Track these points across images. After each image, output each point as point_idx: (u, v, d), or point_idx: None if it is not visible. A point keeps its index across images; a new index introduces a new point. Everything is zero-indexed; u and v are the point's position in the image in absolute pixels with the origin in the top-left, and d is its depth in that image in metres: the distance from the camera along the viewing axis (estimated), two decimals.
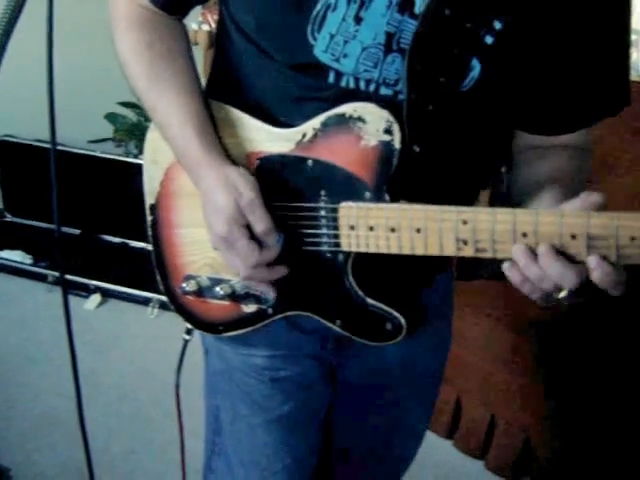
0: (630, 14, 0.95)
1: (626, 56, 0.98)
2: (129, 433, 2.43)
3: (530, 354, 2.22)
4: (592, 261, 0.75)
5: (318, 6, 0.87)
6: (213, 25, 2.97)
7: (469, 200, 1.06)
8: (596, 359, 2.06)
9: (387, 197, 0.89)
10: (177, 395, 1.22)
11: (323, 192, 0.93)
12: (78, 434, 1.33)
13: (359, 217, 0.90)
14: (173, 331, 1.19)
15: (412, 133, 0.89)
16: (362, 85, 0.91)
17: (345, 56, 0.89)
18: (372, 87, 0.90)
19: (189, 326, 1.15)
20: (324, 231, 0.94)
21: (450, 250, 0.84)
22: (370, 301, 0.95)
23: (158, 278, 1.13)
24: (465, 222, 0.82)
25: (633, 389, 2.00)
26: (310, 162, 0.93)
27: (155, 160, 1.08)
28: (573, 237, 0.76)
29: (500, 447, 2.28)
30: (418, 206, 0.86)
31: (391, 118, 0.87)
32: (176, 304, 1.12)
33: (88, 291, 3.26)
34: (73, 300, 2.95)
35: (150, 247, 1.13)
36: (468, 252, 0.83)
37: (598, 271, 0.75)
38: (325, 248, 0.95)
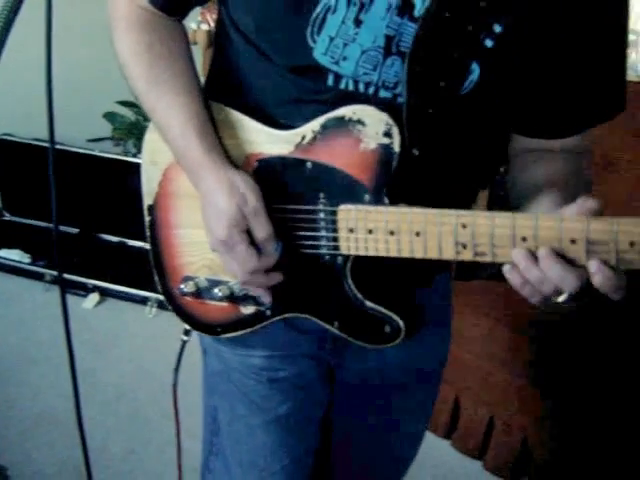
0: (628, 18, 0.95)
1: (623, 62, 0.98)
2: (127, 432, 2.43)
3: (529, 354, 2.22)
4: (593, 265, 0.75)
5: (318, 8, 0.86)
6: (212, 25, 2.97)
7: (467, 201, 1.06)
8: (594, 360, 2.06)
9: (386, 200, 0.89)
10: (175, 395, 1.23)
11: (322, 195, 0.93)
12: (76, 433, 1.33)
13: (358, 220, 0.90)
14: (171, 330, 1.20)
15: (412, 136, 0.89)
16: (361, 88, 0.91)
17: (344, 59, 0.88)
18: (371, 90, 0.90)
19: (187, 327, 1.15)
20: (323, 234, 0.94)
21: (449, 254, 0.84)
22: (369, 304, 0.95)
23: (156, 279, 1.13)
24: (464, 226, 0.82)
25: (631, 390, 2.00)
26: (309, 164, 0.93)
27: (154, 161, 1.08)
28: (573, 242, 0.76)
29: (498, 447, 2.29)
30: (418, 209, 0.86)
31: (390, 121, 0.87)
32: (174, 305, 1.12)
33: (86, 290, 3.26)
34: (71, 299, 2.93)
35: (148, 247, 1.13)
36: (467, 256, 0.83)
37: (599, 275, 0.75)
38: (324, 251, 0.95)
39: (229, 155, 0.98)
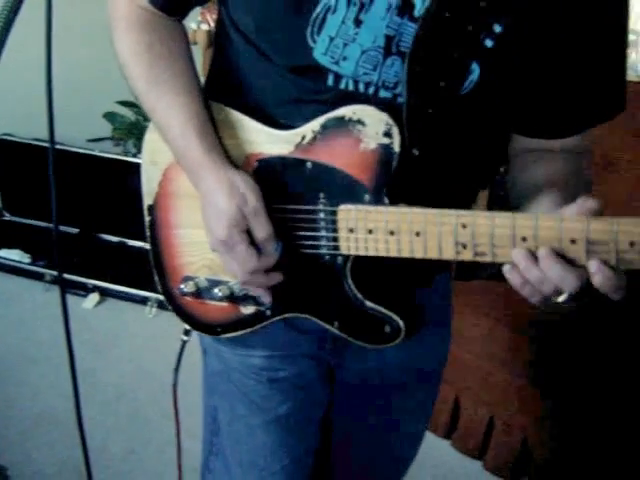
0: (628, 18, 0.95)
1: (623, 62, 0.98)
2: (127, 432, 2.43)
3: (529, 354, 2.22)
4: (593, 265, 0.75)
5: (318, 8, 0.86)
6: (212, 24, 2.97)
7: (467, 201, 1.06)
8: (595, 359, 2.06)
9: (386, 200, 0.89)
10: (174, 395, 1.23)
11: (322, 195, 0.93)
12: (76, 433, 1.33)
13: (358, 220, 0.90)
14: (171, 330, 1.20)
15: (412, 136, 0.89)
16: (361, 88, 0.91)
17: (344, 59, 0.88)
18: (371, 90, 0.90)
19: (187, 327, 1.15)
20: (323, 234, 0.94)
21: (449, 254, 0.84)
22: (369, 304, 0.95)
23: (156, 279, 1.13)
24: (464, 226, 0.82)
25: (631, 390, 2.00)
26: (309, 164, 0.93)
27: (154, 161, 1.08)
28: (573, 242, 0.76)
29: (498, 447, 2.29)
30: (417, 209, 0.86)
31: (390, 121, 0.87)
32: (174, 305, 1.12)
33: (86, 290, 3.26)
34: (71, 299, 2.93)
35: (148, 247, 1.13)
36: (467, 256, 0.83)
37: (599, 275, 0.75)
38: (324, 251, 0.95)
39: (229, 155, 0.98)
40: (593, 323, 1.99)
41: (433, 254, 0.86)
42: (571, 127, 1.01)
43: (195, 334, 1.16)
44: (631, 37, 1.93)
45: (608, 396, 2.05)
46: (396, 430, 1.23)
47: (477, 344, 2.29)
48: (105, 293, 3.28)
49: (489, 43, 0.87)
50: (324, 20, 0.87)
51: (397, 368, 1.14)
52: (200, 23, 3.02)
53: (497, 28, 0.86)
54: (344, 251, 0.93)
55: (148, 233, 1.12)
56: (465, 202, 1.05)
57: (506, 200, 1.04)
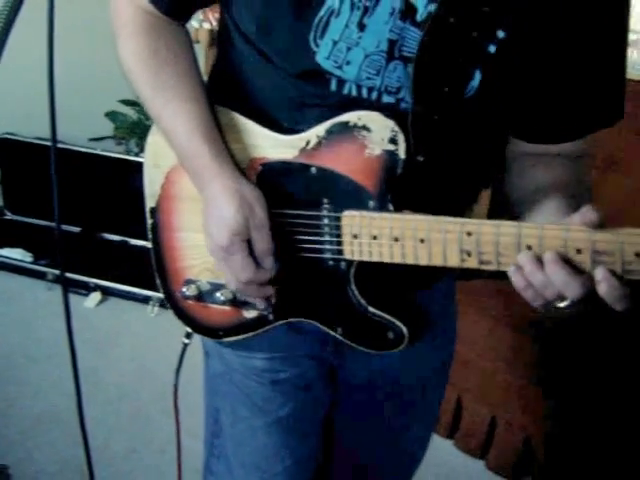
0: (628, 28, 0.95)
1: (623, 70, 0.98)
2: (129, 432, 2.43)
3: (531, 354, 2.22)
4: (599, 273, 0.75)
5: (321, 12, 0.86)
6: (214, 23, 2.96)
7: (470, 201, 1.06)
8: (596, 359, 2.06)
9: (391, 206, 0.89)
10: (175, 396, 1.22)
11: (326, 200, 0.93)
12: (78, 432, 1.33)
13: (362, 226, 0.90)
14: (173, 330, 1.19)
15: (417, 143, 0.89)
16: (364, 93, 0.90)
17: (348, 63, 0.88)
18: (374, 95, 0.90)
19: (189, 330, 1.14)
20: (327, 239, 0.94)
21: (454, 261, 0.84)
22: (372, 310, 0.95)
23: (158, 282, 1.13)
24: (469, 234, 0.82)
25: (633, 389, 2.00)
26: (313, 169, 0.93)
27: (156, 164, 1.08)
28: (578, 251, 0.76)
29: (501, 447, 2.29)
30: (422, 216, 0.86)
31: (396, 128, 0.86)
32: (176, 308, 1.12)
33: (88, 289, 3.25)
34: (73, 298, 2.93)
35: (150, 249, 1.13)
36: (472, 263, 0.83)
37: (605, 284, 0.75)
38: (327, 256, 0.95)
39: (234, 159, 0.98)
40: (595, 322, 1.98)
41: (438, 261, 0.85)
42: (570, 133, 1.00)
43: (197, 336, 1.16)
44: (631, 37, 1.92)
45: (610, 395, 2.05)
46: (401, 431, 1.22)
47: (479, 344, 2.29)
48: (107, 292, 3.27)
49: (492, 49, 0.86)
50: (327, 24, 0.86)
51: (401, 369, 1.13)
52: (202, 22, 3.01)
53: (500, 34, 0.86)
54: (348, 256, 0.93)
55: (150, 236, 1.11)
56: (467, 203, 1.05)
57: (506, 202, 1.04)
